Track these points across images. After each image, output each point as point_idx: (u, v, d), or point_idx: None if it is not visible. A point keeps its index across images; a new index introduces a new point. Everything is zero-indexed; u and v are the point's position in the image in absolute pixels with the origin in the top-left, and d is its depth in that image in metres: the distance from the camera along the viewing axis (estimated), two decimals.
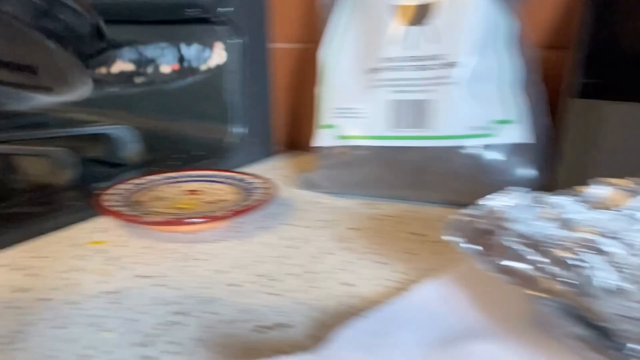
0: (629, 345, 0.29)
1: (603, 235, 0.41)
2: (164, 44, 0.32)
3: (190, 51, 0.32)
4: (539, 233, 0.39)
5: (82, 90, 0.32)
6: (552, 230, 0.40)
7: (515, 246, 0.35)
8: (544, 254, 0.36)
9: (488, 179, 0.53)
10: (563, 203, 0.42)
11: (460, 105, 0.53)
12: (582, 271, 0.39)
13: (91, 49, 0.29)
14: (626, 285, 0.40)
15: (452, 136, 0.53)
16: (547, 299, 0.32)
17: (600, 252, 0.41)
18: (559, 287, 0.32)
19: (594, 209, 0.43)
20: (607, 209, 0.43)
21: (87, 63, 0.31)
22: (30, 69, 0.28)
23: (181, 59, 0.33)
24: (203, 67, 0.32)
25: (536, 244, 0.36)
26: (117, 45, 0.31)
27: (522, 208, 0.38)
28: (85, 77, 0.31)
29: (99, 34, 0.31)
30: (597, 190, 0.44)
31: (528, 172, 0.53)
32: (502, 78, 0.53)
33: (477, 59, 0.53)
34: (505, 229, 0.35)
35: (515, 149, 0.53)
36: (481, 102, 0.53)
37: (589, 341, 0.29)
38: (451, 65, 0.53)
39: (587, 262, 0.40)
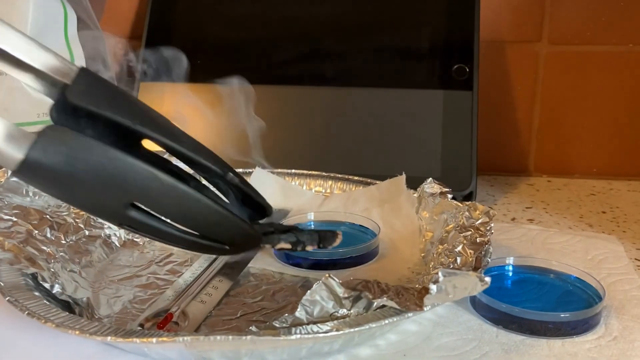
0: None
1: None
2: (312, 230, 0.37)
3: (326, 237, 0.38)
4: (50, 205, 0.43)
5: None
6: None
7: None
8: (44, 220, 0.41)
9: None
10: None
11: (23, 94, 0.55)
12: (100, 232, 0.45)
13: (264, 230, 0.35)
14: (137, 239, 0.47)
15: (22, 123, 0.56)
16: None
17: None
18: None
19: None
20: None
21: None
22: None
23: (319, 242, 0.37)
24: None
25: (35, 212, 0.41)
26: (283, 230, 0.36)
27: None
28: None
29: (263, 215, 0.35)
30: None
31: None
32: None
33: None
34: None
35: None
36: None
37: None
38: None
39: (104, 224, 0.46)
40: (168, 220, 0.31)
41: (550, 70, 0.65)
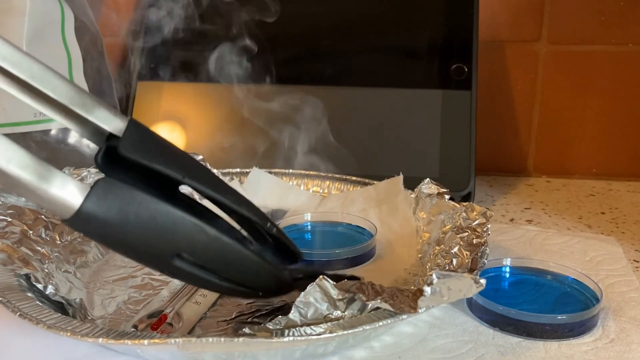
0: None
1: None
2: (337, 275, 0.37)
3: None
4: None
5: None
6: None
7: None
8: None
9: (63, 161, 0.56)
10: (87, 175, 0.47)
11: None
12: None
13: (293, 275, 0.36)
14: None
15: (19, 123, 0.55)
16: None
17: None
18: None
19: None
20: None
21: None
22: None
23: None
24: None
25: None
26: (310, 276, 0.36)
27: None
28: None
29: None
30: None
31: (96, 151, 0.58)
32: (59, 67, 0.57)
33: (31, 49, 0.55)
34: None
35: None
36: None
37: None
38: None
39: None
40: (208, 269, 0.32)
41: (550, 70, 0.64)
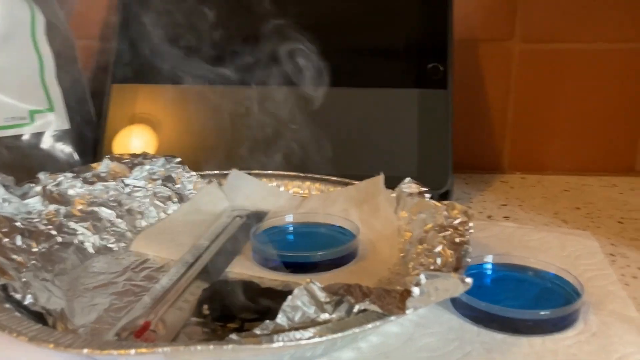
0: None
1: (94, 204, 0.46)
2: None
3: None
4: (20, 212, 0.42)
5: None
6: (40, 207, 0.44)
7: None
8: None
9: (36, 166, 0.55)
10: (63, 180, 0.46)
11: None
12: (73, 238, 0.44)
13: None
14: (111, 245, 0.46)
15: None
16: None
17: (95, 218, 0.46)
18: None
19: (97, 182, 0.48)
20: (109, 180, 0.48)
21: None
22: None
23: None
24: None
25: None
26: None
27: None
28: None
29: None
30: (104, 165, 0.49)
31: (70, 155, 0.57)
32: (30, 70, 0.56)
33: (1, 52, 0.54)
34: None
35: (55, 136, 0.56)
36: (11, 94, 0.54)
37: None
38: None
39: (77, 230, 0.44)
40: None
41: (523, 68, 0.65)
